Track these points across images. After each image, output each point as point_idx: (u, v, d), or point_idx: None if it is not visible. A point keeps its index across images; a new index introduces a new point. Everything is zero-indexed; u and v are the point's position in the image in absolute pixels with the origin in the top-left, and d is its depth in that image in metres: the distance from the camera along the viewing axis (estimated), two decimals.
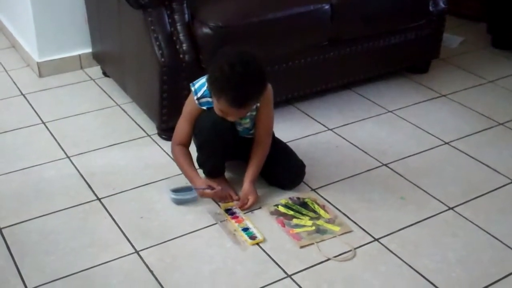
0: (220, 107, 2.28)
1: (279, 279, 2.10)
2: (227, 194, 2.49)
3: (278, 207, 2.44)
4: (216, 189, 2.41)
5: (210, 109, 2.37)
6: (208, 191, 2.40)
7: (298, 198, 2.50)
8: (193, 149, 2.51)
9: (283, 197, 2.50)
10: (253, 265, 2.17)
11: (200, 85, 2.39)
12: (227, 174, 2.60)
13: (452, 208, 2.47)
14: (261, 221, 2.37)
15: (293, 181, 2.57)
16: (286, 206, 2.45)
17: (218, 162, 2.53)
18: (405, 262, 2.18)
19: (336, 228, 2.34)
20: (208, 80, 2.27)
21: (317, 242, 2.26)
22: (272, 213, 2.42)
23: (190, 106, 2.43)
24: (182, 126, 2.47)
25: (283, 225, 2.35)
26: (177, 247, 2.24)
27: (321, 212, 2.42)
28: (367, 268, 2.15)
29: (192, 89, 2.40)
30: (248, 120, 2.47)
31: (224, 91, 2.20)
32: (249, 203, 2.43)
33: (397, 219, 2.40)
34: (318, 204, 2.46)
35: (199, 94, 2.38)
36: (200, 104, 2.39)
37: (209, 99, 2.36)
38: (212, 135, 2.40)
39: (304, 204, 2.46)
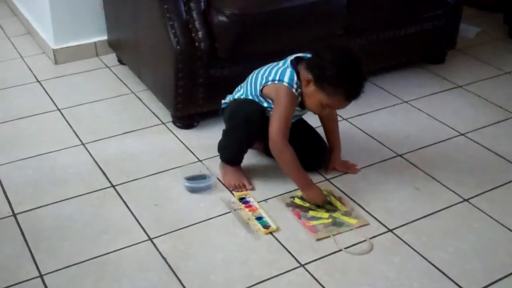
0: (329, 102, 2.29)
1: (292, 268, 2.10)
2: (241, 183, 2.49)
3: (294, 199, 2.43)
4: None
5: (245, 101, 2.41)
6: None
7: None
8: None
9: (299, 189, 2.49)
10: (267, 254, 2.17)
11: (289, 78, 2.32)
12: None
13: (467, 200, 2.46)
14: (275, 210, 2.37)
15: (315, 168, 2.60)
16: (302, 198, 2.43)
17: (241, 152, 2.53)
18: (419, 253, 2.17)
19: (353, 221, 2.32)
20: (319, 79, 2.25)
21: (333, 235, 2.25)
22: (288, 204, 2.41)
23: (292, 100, 2.33)
24: (290, 119, 2.36)
25: (299, 217, 2.34)
26: (190, 235, 2.25)
27: (338, 204, 2.41)
28: (381, 259, 2.15)
29: (285, 83, 2.31)
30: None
31: (344, 87, 2.24)
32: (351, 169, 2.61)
33: (411, 210, 2.39)
34: (335, 196, 2.45)
35: (295, 86, 2.32)
36: (298, 96, 2.36)
37: (299, 90, 2.35)
38: (242, 127, 2.41)
39: None
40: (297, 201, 2.42)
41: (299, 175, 2.39)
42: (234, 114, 2.45)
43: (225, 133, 2.54)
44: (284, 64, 2.39)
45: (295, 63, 2.36)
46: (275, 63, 2.44)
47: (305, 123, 2.63)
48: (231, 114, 2.47)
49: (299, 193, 2.46)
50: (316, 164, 2.60)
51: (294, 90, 2.32)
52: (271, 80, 2.34)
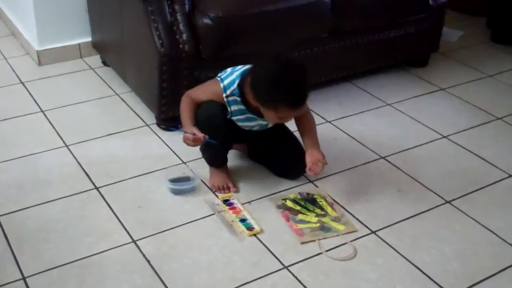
0: (278, 114, 2.27)
1: (276, 270, 2.11)
2: (225, 185, 2.49)
3: (285, 201, 2.43)
4: (198, 135, 2.33)
5: (208, 103, 2.38)
6: (187, 134, 2.33)
7: (308, 194, 2.49)
8: None
9: (292, 192, 2.49)
10: (250, 255, 2.17)
11: (230, 82, 2.35)
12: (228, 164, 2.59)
13: (449, 202, 2.47)
14: (258, 212, 2.38)
15: (295, 175, 2.58)
16: (294, 200, 2.44)
17: (215, 153, 2.53)
18: (401, 255, 2.19)
19: (341, 227, 2.32)
20: (259, 93, 2.25)
21: (318, 239, 2.25)
22: (278, 206, 2.41)
23: (214, 95, 2.38)
24: (201, 94, 2.42)
25: (288, 219, 2.34)
26: (174, 237, 2.25)
27: (329, 209, 2.41)
28: (364, 261, 2.16)
29: (221, 85, 2.36)
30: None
31: (283, 99, 2.21)
32: (318, 169, 2.37)
33: (394, 212, 2.40)
34: (327, 202, 2.45)
35: (228, 92, 2.35)
36: (228, 102, 2.37)
37: (237, 98, 2.35)
38: (207, 130, 2.38)
39: (312, 200, 2.45)
40: (289, 203, 2.42)
41: (183, 116, 2.40)
42: (198, 118, 2.43)
43: None
44: (242, 69, 2.39)
45: (247, 73, 2.35)
46: (242, 66, 2.44)
47: (284, 129, 2.61)
48: (197, 117, 2.44)
49: (291, 195, 2.47)
50: (290, 174, 2.58)
51: (224, 95, 2.35)
52: (218, 76, 2.40)
